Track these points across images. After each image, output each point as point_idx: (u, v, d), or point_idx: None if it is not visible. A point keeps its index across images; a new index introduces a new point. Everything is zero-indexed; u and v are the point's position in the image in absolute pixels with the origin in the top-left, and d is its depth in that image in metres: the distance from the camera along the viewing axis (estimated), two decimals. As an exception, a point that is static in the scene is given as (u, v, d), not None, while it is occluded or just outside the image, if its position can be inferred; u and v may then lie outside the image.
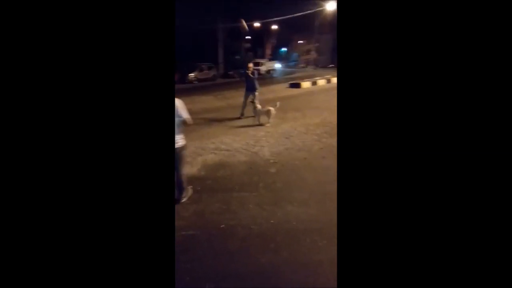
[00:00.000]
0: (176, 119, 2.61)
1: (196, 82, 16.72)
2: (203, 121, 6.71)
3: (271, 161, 3.99)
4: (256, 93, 6.71)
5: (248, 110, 6.72)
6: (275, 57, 27.17)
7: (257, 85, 6.75)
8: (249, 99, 6.63)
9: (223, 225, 2.53)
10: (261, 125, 5.92)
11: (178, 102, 2.67)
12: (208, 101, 9.89)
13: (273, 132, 5.48)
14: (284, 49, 30.25)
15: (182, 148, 2.76)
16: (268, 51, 27.83)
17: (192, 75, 16.89)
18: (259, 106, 6.17)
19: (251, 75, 6.78)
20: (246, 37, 24.81)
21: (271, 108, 6.04)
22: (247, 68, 6.96)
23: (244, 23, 7.58)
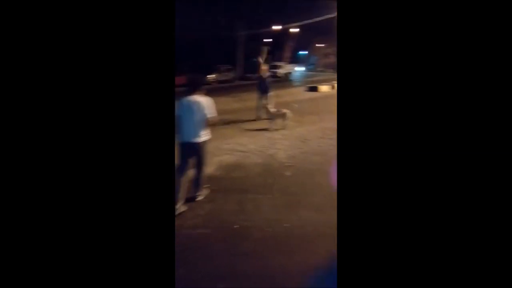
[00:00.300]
0: (203, 116, 2.74)
1: (215, 83, 16.95)
2: (219, 122, 6.80)
3: (287, 164, 3.98)
4: (269, 96, 6.72)
5: (264, 112, 6.74)
6: (293, 60, 27.09)
7: (269, 88, 6.74)
8: (263, 103, 6.65)
9: (237, 226, 2.55)
10: (276, 129, 5.91)
11: (207, 100, 2.81)
12: (226, 103, 10.00)
13: (289, 135, 5.47)
14: (303, 52, 30.10)
15: (206, 142, 2.87)
16: (287, 54, 27.79)
17: (211, 76, 17.15)
18: (273, 109, 6.14)
19: (264, 78, 6.80)
20: (265, 40, 24.92)
21: (287, 111, 6.02)
22: (260, 70, 6.99)
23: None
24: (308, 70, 25.95)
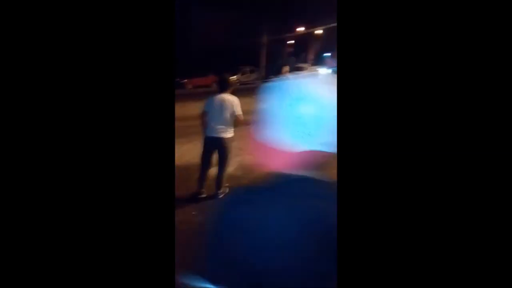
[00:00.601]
0: (229, 113, 2.86)
1: (237, 84, 17.17)
2: (241, 122, 6.85)
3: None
4: None
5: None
6: (318, 62, 26.82)
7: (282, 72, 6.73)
8: None
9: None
10: None
11: (235, 99, 2.94)
12: (249, 103, 10.05)
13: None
14: (327, 54, 29.72)
15: (231, 139, 2.97)
16: (311, 56, 27.54)
17: (232, 78, 17.39)
18: None
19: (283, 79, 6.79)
20: (289, 42, 24.84)
21: None
22: (282, 72, 7.00)
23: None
24: (332, 72, 25.58)
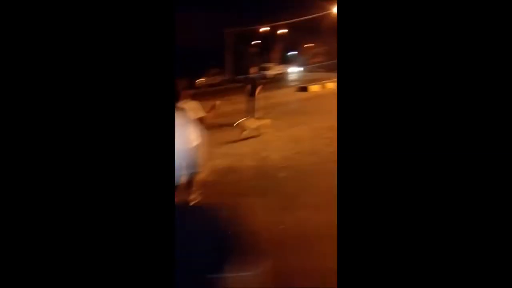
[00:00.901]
0: (188, 122, 2.77)
1: (204, 87, 16.89)
2: (211, 125, 6.74)
3: (280, 165, 3.95)
4: (258, 97, 6.73)
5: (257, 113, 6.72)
6: (283, 61, 27.24)
7: (258, 90, 6.75)
8: (252, 105, 6.64)
9: (231, 230, 2.51)
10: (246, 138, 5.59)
11: (192, 104, 2.87)
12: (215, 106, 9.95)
13: (282, 136, 5.46)
14: (292, 52, 30.31)
15: (197, 147, 2.89)
16: (276, 55, 27.94)
17: (200, 80, 17.09)
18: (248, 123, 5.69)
19: (253, 80, 6.81)
20: (254, 42, 25.01)
21: (266, 121, 5.73)
22: (249, 72, 7.02)
23: None
24: (297, 70, 26.11)
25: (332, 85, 13.19)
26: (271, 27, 21.44)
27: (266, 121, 5.77)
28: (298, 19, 17.94)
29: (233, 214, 2.77)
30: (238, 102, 8.82)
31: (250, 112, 6.85)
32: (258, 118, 5.81)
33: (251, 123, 5.67)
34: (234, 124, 4.71)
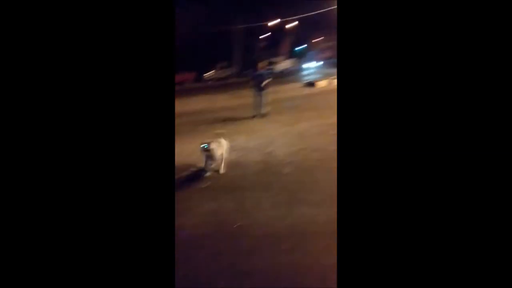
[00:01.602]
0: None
1: (212, 81, 16.90)
2: (218, 119, 6.78)
3: (285, 161, 3.97)
4: (265, 93, 6.71)
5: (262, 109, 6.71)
6: (291, 55, 27.00)
7: (264, 85, 6.73)
8: (259, 100, 6.63)
9: (238, 224, 2.55)
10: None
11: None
12: (223, 100, 9.97)
13: (287, 132, 5.46)
14: (300, 47, 30.00)
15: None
16: (284, 50, 27.68)
17: (208, 74, 17.10)
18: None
19: (261, 74, 6.79)
20: (262, 36, 24.80)
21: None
22: (257, 67, 6.98)
23: None
24: (305, 65, 25.87)
25: (340, 81, 13.04)
26: (279, 21, 21.22)
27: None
28: (306, 14, 17.70)
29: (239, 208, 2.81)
30: (245, 96, 8.84)
31: (257, 106, 6.86)
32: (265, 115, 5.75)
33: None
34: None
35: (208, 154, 3.62)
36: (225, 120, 6.67)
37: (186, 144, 5.13)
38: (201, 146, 3.60)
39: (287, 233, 2.35)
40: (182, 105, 10.07)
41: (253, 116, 6.82)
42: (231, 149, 4.61)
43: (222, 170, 3.73)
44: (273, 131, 5.53)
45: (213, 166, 3.70)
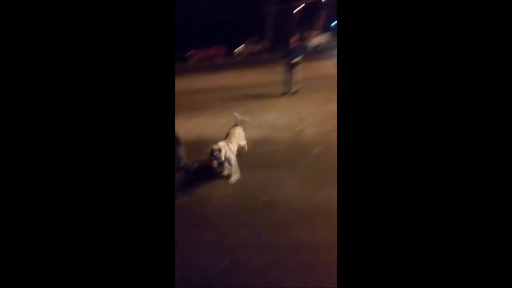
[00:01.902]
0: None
1: (242, 56, 16.68)
2: (248, 96, 6.74)
3: (315, 141, 3.90)
4: (296, 69, 6.49)
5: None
6: (326, 30, 25.67)
7: (296, 61, 6.48)
8: (291, 76, 6.44)
9: (264, 198, 2.60)
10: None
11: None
12: (253, 76, 9.84)
13: (318, 111, 5.31)
14: (336, 22, 28.31)
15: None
16: (319, 25, 26.33)
17: (238, 49, 16.87)
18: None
19: (293, 50, 6.53)
20: (296, 10, 23.68)
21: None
22: (289, 42, 6.71)
23: None
24: (341, 41, 24.47)
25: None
26: (316, -7, 20.02)
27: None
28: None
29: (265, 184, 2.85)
30: (276, 73, 8.66)
31: (288, 84, 6.70)
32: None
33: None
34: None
35: (218, 159, 2.90)
36: (256, 96, 6.62)
37: (213, 120, 5.22)
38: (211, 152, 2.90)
39: (312, 211, 2.36)
40: (211, 81, 10.13)
41: (284, 94, 6.69)
42: (259, 126, 4.60)
43: (234, 177, 3.01)
44: (303, 110, 5.41)
45: (225, 173, 3.12)
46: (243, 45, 17.31)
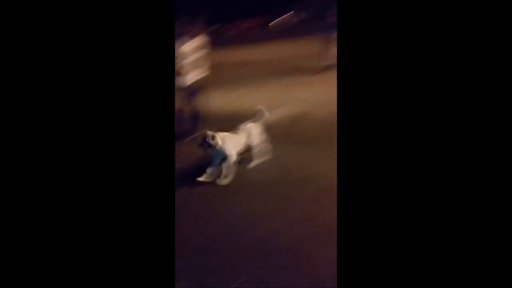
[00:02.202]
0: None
1: (277, 28, 16.14)
2: (282, 71, 6.60)
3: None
4: (332, 44, 6.13)
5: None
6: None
7: (332, 34, 6.09)
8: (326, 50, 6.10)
9: (296, 175, 2.63)
10: None
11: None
12: (290, 49, 9.53)
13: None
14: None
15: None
16: None
17: (273, 22, 16.30)
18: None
19: (330, 23, 6.13)
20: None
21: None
22: (327, 15, 6.30)
23: None
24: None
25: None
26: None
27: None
28: None
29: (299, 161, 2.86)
30: (312, 46, 8.31)
31: (322, 56, 6.40)
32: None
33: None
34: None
35: (213, 149, 2.58)
36: (291, 71, 6.46)
37: (250, 94, 5.22)
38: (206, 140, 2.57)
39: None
40: (246, 54, 10.00)
41: (321, 68, 6.44)
42: (297, 101, 4.52)
43: (224, 181, 2.61)
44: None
45: (203, 177, 2.62)
46: (280, 17, 16.67)
